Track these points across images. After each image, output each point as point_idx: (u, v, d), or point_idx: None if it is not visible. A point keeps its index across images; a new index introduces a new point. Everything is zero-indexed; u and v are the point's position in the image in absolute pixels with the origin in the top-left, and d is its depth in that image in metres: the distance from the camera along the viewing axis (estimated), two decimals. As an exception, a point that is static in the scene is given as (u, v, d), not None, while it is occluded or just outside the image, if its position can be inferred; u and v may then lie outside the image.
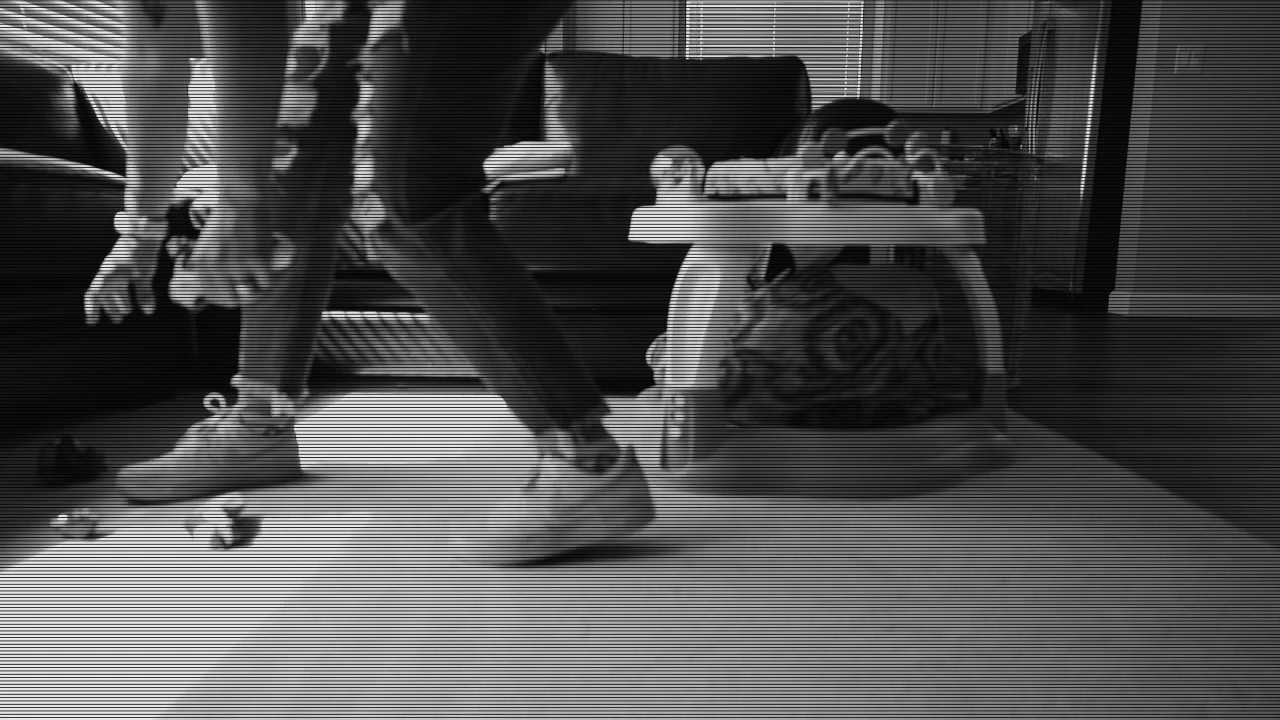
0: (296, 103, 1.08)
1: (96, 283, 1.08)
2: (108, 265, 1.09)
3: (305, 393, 1.20)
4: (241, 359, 1.18)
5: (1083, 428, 1.57)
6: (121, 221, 1.09)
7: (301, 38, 1.08)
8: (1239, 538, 0.99)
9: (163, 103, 1.07)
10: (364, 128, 0.91)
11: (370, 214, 0.91)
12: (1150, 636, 0.75)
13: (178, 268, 0.97)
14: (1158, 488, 1.19)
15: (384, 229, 0.91)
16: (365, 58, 0.91)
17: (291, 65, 1.06)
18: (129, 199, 1.09)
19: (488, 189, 1.74)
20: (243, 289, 0.92)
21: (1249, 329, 3.16)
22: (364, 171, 0.91)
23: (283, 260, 0.94)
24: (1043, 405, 1.77)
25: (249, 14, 0.84)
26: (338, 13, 1.08)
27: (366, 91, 0.91)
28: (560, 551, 0.94)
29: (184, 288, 0.97)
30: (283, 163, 1.10)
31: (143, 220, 1.10)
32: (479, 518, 0.96)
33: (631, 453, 0.95)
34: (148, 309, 1.13)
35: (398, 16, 0.88)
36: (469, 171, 0.94)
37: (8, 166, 1.31)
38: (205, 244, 0.90)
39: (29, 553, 0.93)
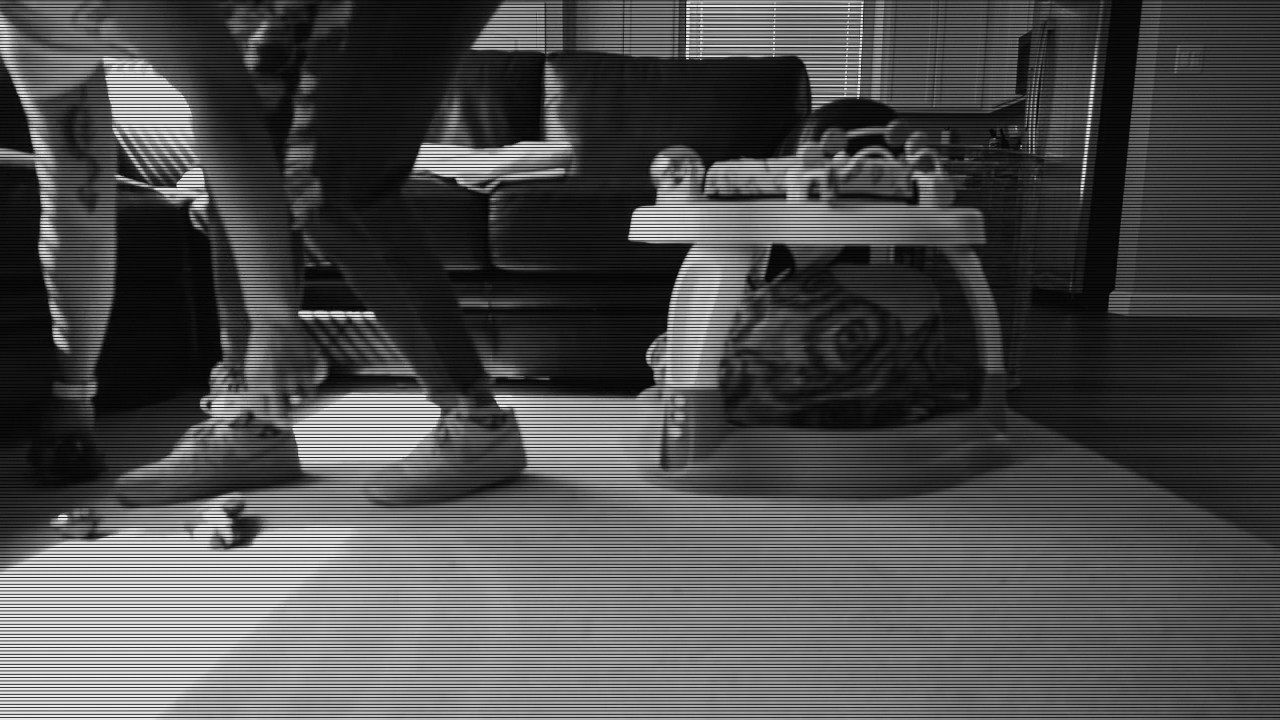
0: (264, 92, 1.09)
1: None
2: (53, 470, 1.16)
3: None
4: (229, 359, 1.18)
5: (1083, 428, 1.57)
6: (62, 391, 1.18)
7: (266, 37, 1.08)
8: (1239, 538, 0.99)
9: (91, 279, 1.16)
10: (304, 115, 0.98)
11: (307, 197, 0.99)
12: (1150, 636, 0.75)
13: (215, 392, 1.13)
14: (1158, 488, 1.19)
15: (327, 210, 1.00)
16: (311, 50, 0.98)
17: (255, 60, 1.07)
18: (63, 367, 1.18)
19: (487, 189, 1.74)
20: (295, 399, 0.97)
21: (1249, 329, 3.16)
22: (302, 155, 0.98)
23: (323, 370, 0.99)
24: (1043, 405, 1.77)
25: (255, 171, 0.90)
26: (304, 14, 1.09)
27: (309, 81, 0.98)
28: (466, 491, 1.13)
29: (229, 408, 1.12)
30: None
31: (74, 387, 1.19)
32: (395, 470, 1.11)
33: (513, 413, 1.18)
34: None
35: (344, 17, 0.94)
36: (404, 158, 1.04)
37: (8, 166, 1.31)
38: (259, 368, 0.94)
39: (29, 553, 0.93)
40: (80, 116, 1.09)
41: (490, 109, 2.30)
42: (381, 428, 1.51)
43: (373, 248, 1.03)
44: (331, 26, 0.97)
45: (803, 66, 2.32)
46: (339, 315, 1.79)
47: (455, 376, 1.13)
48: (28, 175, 1.33)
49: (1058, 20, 4.15)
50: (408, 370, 1.82)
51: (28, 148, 1.89)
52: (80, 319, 1.16)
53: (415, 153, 1.05)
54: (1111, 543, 0.98)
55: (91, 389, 1.21)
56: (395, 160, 1.03)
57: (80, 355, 1.18)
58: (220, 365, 1.19)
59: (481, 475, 1.14)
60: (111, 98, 1.17)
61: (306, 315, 1.79)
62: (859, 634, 0.76)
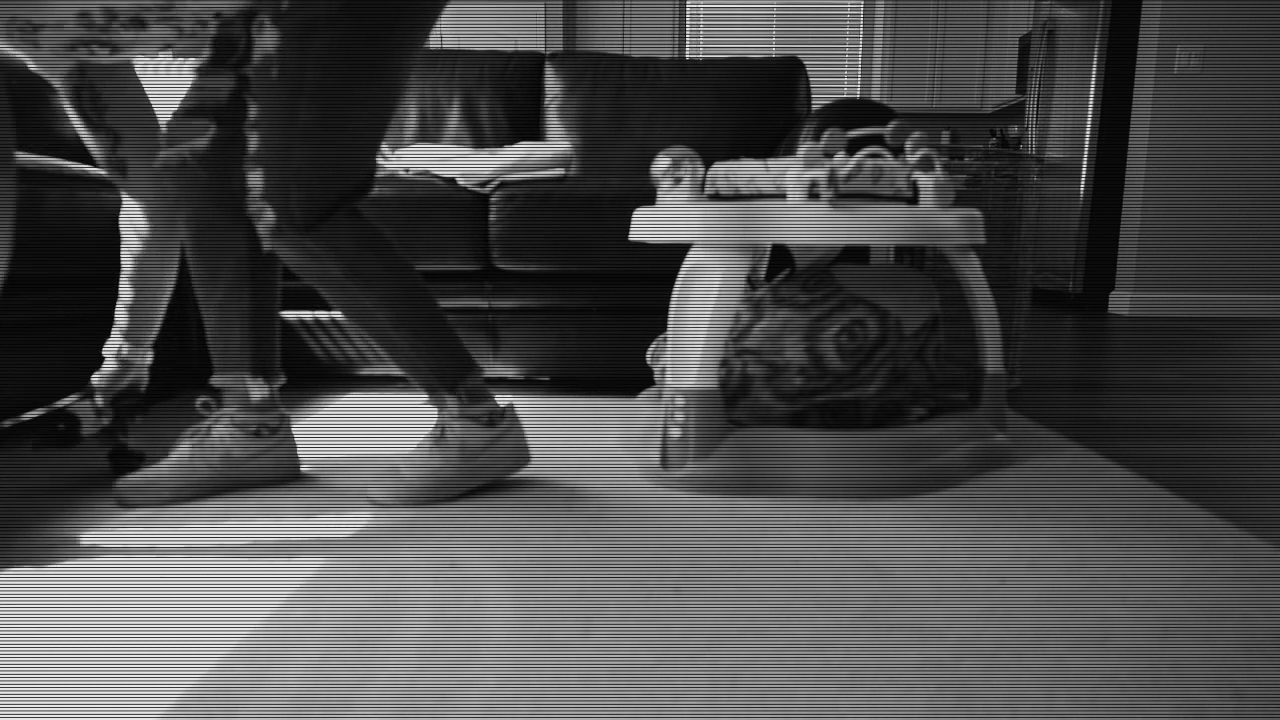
0: (215, 84, 1.09)
1: (105, 411, 1.19)
2: (100, 386, 1.19)
3: (282, 377, 1.21)
4: (214, 359, 1.18)
5: (1083, 428, 1.57)
6: (110, 347, 1.20)
7: (220, 29, 1.07)
8: (1239, 538, 0.99)
9: (149, 245, 1.18)
10: (253, 142, 0.99)
11: (263, 219, 1.01)
12: (1150, 636, 0.75)
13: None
14: (1158, 488, 1.19)
15: (277, 234, 1.02)
16: (250, 75, 0.98)
17: (208, 53, 1.07)
18: (121, 316, 1.20)
19: (487, 189, 1.74)
20: None
21: (1249, 329, 3.16)
22: (255, 181, 1.00)
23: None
24: (1043, 405, 1.77)
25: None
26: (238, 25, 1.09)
27: (253, 110, 0.99)
28: (466, 489, 1.13)
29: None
30: (201, 142, 1.11)
31: (126, 346, 1.21)
32: (392, 472, 1.12)
33: (512, 408, 1.17)
34: (104, 421, 1.20)
35: (273, 44, 0.94)
36: (356, 176, 1.04)
37: (42, 172, 1.31)
38: None
39: (29, 553, 0.93)
40: (86, 92, 1.11)
41: (490, 109, 2.30)
42: (381, 428, 1.51)
43: (329, 266, 1.04)
44: (263, 53, 0.96)
45: (803, 66, 2.32)
46: (339, 315, 1.79)
47: (441, 377, 1.12)
48: (28, 175, 1.33)
49: (1058, 20, 4.15)
50: (408, 370, 1.83)
51: (28, 148, 1.89)
52: (135, 286, 1.19)
53: (369, 168, 1.05)
54: (1111, 543, 0.98)
55: (143, 355, 1.22)
56: (345, 180, 1.03)
57: (136, 321, 1.20)
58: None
59: (481, 473, 1.14)
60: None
61: (306, 315, 1.79)
62: (859, 634, 0.76)
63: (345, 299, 1.07)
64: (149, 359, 1.24)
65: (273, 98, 0.97)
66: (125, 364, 1.21)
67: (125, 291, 1.19)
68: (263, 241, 1.04)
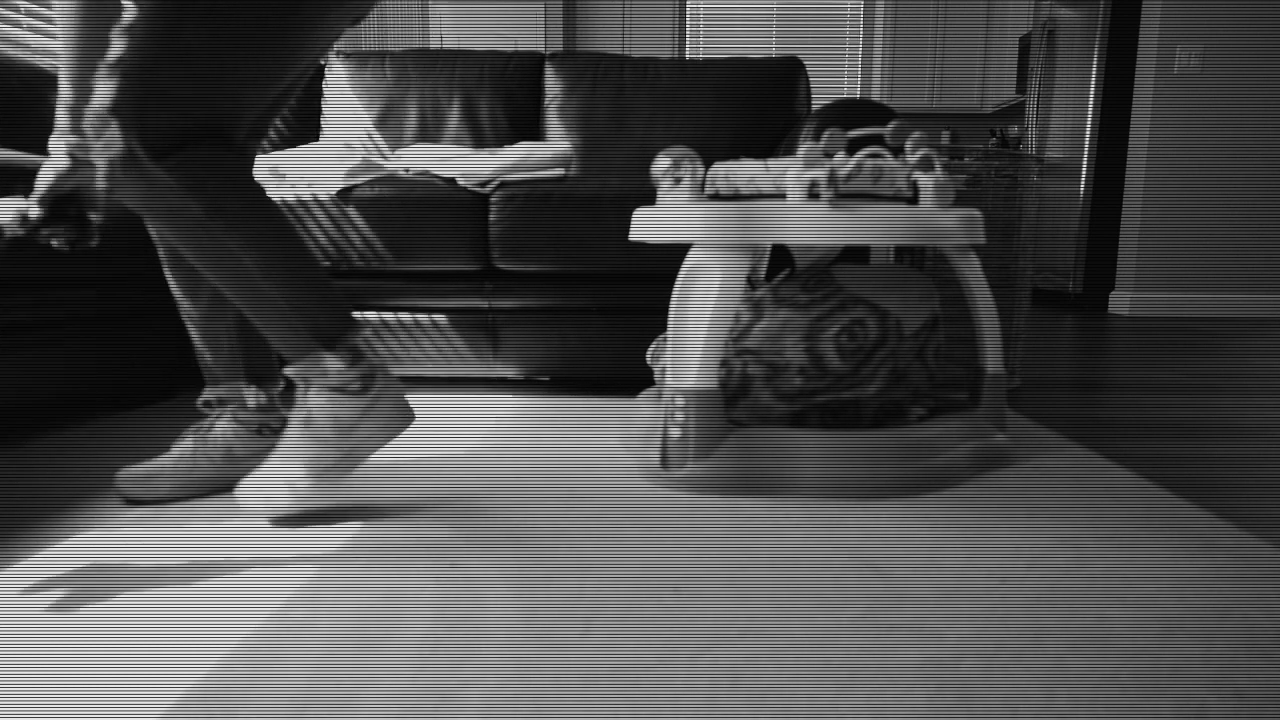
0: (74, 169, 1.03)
1: (33, 207, 1.02)
2: (41, 183, 1.03)
3: (280, 383, 1.20)
4: (204, 374, 1.17)
5: (1083, 428, 1.57)
6: (55, 142, 1.03)
7: None
8: (1239, 538, 0.99)
9: (98, 9, 1.01)
10: (118, 46, 0.88)
11: (106, 140, 0.89)
12: (1150, 636, 0.75)
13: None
14: (1158, 488, 1.19)
15: (128, 160, 0.89)
16: None
17: None
18: (61, 117, 1.03)
19: (487, 189, 1.74)
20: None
21: (1249, 329, 3.16)
22: (105, 92, 0.88)
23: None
24: (1043, 405, 1.77)
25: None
26: None
27: (130, 10, 0.87)
28: (352, 468, 1.02)
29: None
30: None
31: (75, 138, 1.04)
32: (261, 472, 0.99)
33: (385, 367, 1.04)
34: (96, 218, 1.07)
35: None
36: (222, 122, 0.93)
37: (8, 166, 1.30)
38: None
39: (29, 553, 0.93)
40: None
41: (490, 109, 2.30)
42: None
43: (185, 202, 0.91)
44: None
45: (803, 66, 2.32)
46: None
47: (317, 333, 0.99)
48: (28, 175, 1.33)
49: (1058, 20, 4.15)
50: (408, 370, 1.82)
51: (28, 148, 1.89)
52: (84, 61, 1.02)
53: (233, 111, 0.94)
54: (1111, 543, 0.98)
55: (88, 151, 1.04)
56: (207, 111, 0.91)
57: (76, 114, 1.04)
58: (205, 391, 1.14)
59: (363, 447, 1.02)
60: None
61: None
62: (859, 634, 0.76)
63: (205, 243, 0.93)
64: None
65: (158, 2, 0.87)
66: (73, 160, 1.04)
67: (75, 69, 1.01)
68: (101, 176, 0.91)
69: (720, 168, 1.28)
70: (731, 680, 0.68)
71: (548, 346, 1.80)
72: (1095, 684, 0.68)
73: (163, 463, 1.11)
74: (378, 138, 2.28)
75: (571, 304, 1.78)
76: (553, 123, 2.31)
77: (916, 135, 1.22)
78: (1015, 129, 5.25)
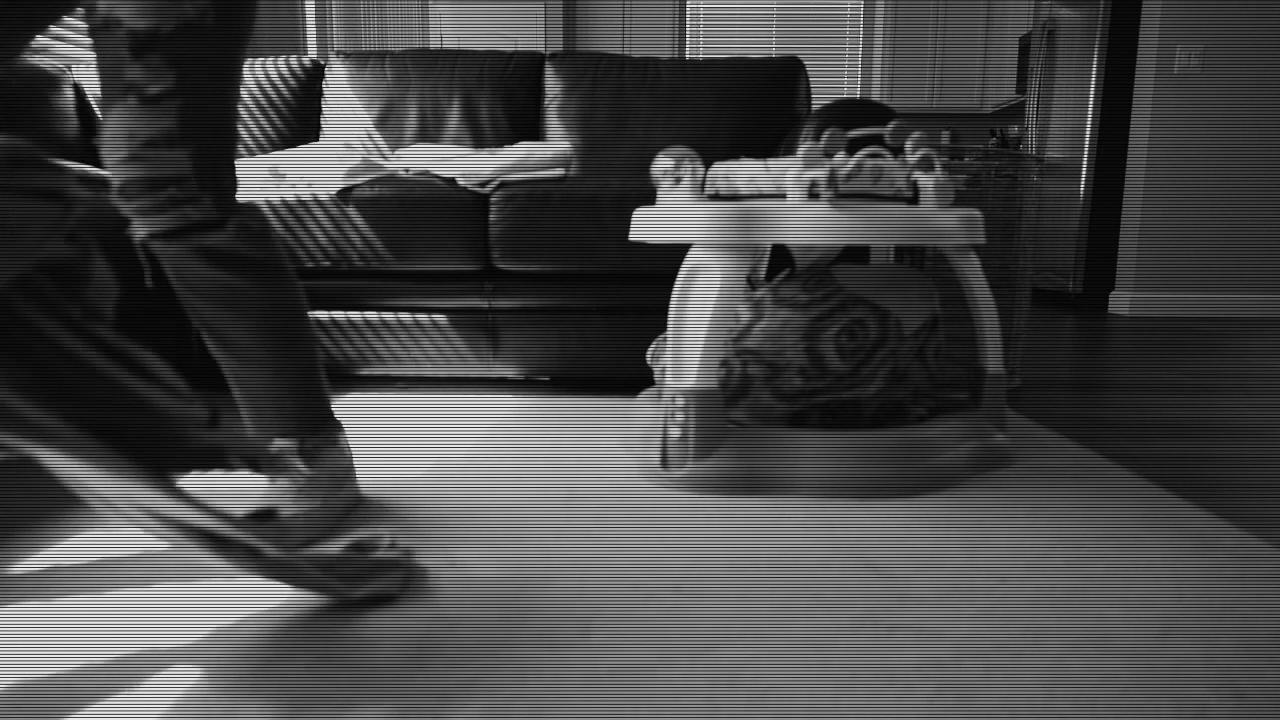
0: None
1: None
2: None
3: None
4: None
5: (1083, 428, 1.57)
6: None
7: None
8: (1239, 538, 0.99)
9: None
10: (170, 116, 0.84)
11: (183, 212, 0.87)
12: (1150, 636, 0.75)
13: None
14: (1158, 488, 1.19)
15: (201, 230, 0.89)
16: (164, 40, 0.84)
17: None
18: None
19: (487, 189, 1.74)
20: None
21: (1249, 329, 3.16)
22: (176, 160, 0.85)
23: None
24: (1043, 405, 1.77)
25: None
26: None
27: (170, 78, 0.84)
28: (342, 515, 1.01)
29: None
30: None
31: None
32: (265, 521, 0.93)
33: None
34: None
35: (200, 7, 0.85)
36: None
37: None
38: None
39: (29, 552, 0.93)
40: None
41: (490, 109, 2.30)
42: (381, 428, 1.51)
43: (249, 255, 0.94)
44: (182, 17, 0.84)
45: (803, 66, 2.31)
46: (339, 315, 1.79)
47: (300, 421, 1.00)
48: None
49: (1058, 20, 4.15)
50: (408, 370, 1.82)
51: None
52: None
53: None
54: (1111, 543, 0.98)
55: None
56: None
57: None
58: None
59: (345, 501, 1.05)
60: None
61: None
62: (859, 634, 0.76)
63: (255, 301, 0.94)
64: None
65: (203, 65, 0.86)
66: None
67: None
68: (172, 246, 0.90)
69: (720, 168, 1.28)
70: (731, 680, 0.68)
71: (548, 346, 1.80)
72: (1095, 684, 0.68)
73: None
74: (378, 138, 2.28)
75: (571, 304, 1.78)
76: (553, 123, 2.31)
77: (916, 135, 1.22)
78: (1015, 129, 5.25)
